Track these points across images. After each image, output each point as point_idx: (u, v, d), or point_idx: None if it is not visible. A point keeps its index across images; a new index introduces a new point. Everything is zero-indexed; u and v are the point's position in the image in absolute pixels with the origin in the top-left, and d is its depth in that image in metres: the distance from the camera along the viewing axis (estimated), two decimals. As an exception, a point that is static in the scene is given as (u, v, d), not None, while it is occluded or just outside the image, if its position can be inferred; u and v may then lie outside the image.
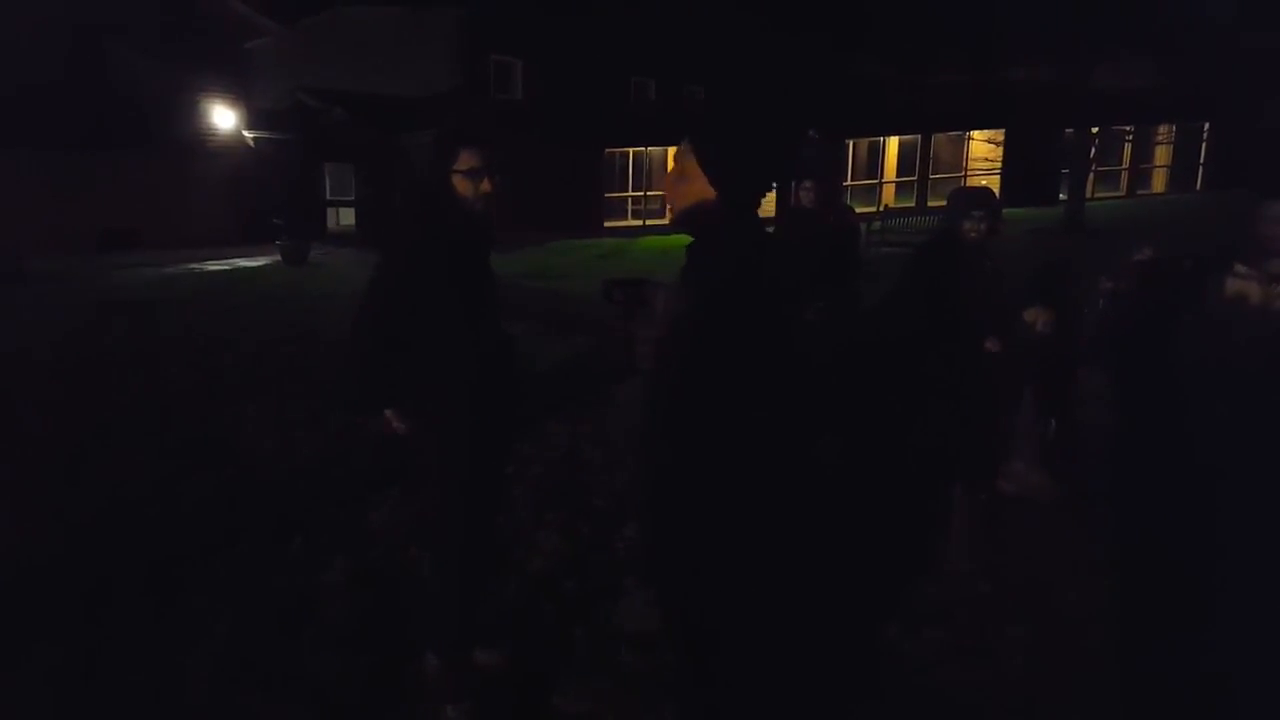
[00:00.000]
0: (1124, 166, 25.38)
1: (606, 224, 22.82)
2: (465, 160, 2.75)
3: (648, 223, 23.07)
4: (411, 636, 3.14)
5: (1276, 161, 20.40)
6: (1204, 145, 25.56)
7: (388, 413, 2.88)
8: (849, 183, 24.30)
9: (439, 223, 2.78)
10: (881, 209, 20.76)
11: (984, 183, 24.07)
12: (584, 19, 21.25)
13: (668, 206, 2.20)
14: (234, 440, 5.68)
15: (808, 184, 7.62)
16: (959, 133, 23.55)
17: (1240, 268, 3.39)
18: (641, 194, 24.12)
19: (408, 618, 3.34)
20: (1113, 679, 3.11)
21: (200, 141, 21.79)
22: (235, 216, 21.52)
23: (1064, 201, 19.39)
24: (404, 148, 19.50)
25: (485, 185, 2.77)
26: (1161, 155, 26.34)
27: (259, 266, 16.76)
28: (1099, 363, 5.41)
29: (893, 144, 24.82)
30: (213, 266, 16.77)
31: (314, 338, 8.97)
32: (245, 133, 22.35)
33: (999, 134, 22.30)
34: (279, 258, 17.41)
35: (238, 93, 22.44)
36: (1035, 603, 3.65)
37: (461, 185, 2.76)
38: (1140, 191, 25.47)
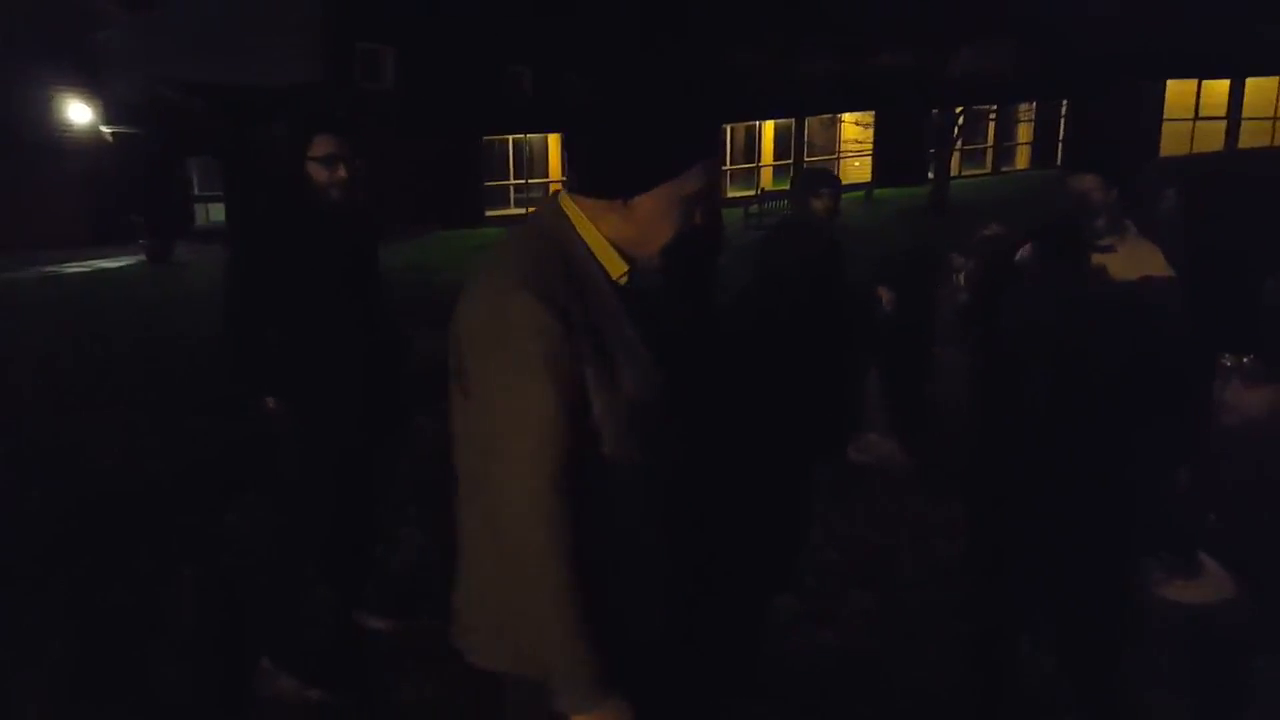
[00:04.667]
0: (989, 144, 26.51)
1: (488, 212, 22.56)
2: (320, 146, 2.72)
3: (530, 210, 22.91)
4: (253, 640, 3.09)
5: (1089, 138, 21.76)
6: (1062, 122, 26.92)
7: (268, 400, 2.83)
8: (728, 167, 24.67)
9: (292, 210, 2.74)
10: (759, 192, 21.15)
11: (856, 164, 24.86)
12: (456, 5, 20.90)
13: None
14: (81, 451, 5.43)
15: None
16: (830, 116, 24.18)
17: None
18: (524, 181, 23.95)
19: (251, 623, 3.28)
20: (950, 640, 3.28)
21: (53, 138, 20.53)
22: (95, 215, 20.41)
23: (931, 180, 20.16)
24: (266, 139, 18.85)
25: (341, 172, 2.73)
26: (1024, 133, 27.63)
27: (120, 267, 15.99)
28: (952, 336, 5.67)
29: (769, 128, 25.30)
30: (71, 269, 15.92)
31: (168, 340, 8.62)
32: (102, 128, 21.18)
33: (868, 116, 22.99)
34: (143, 257, 16.65)
35: (91, 86, 21.21)
36: (879, 568, 3.83)
37: (316, 172, 2.72)
38: (1005, 168, 26.65)
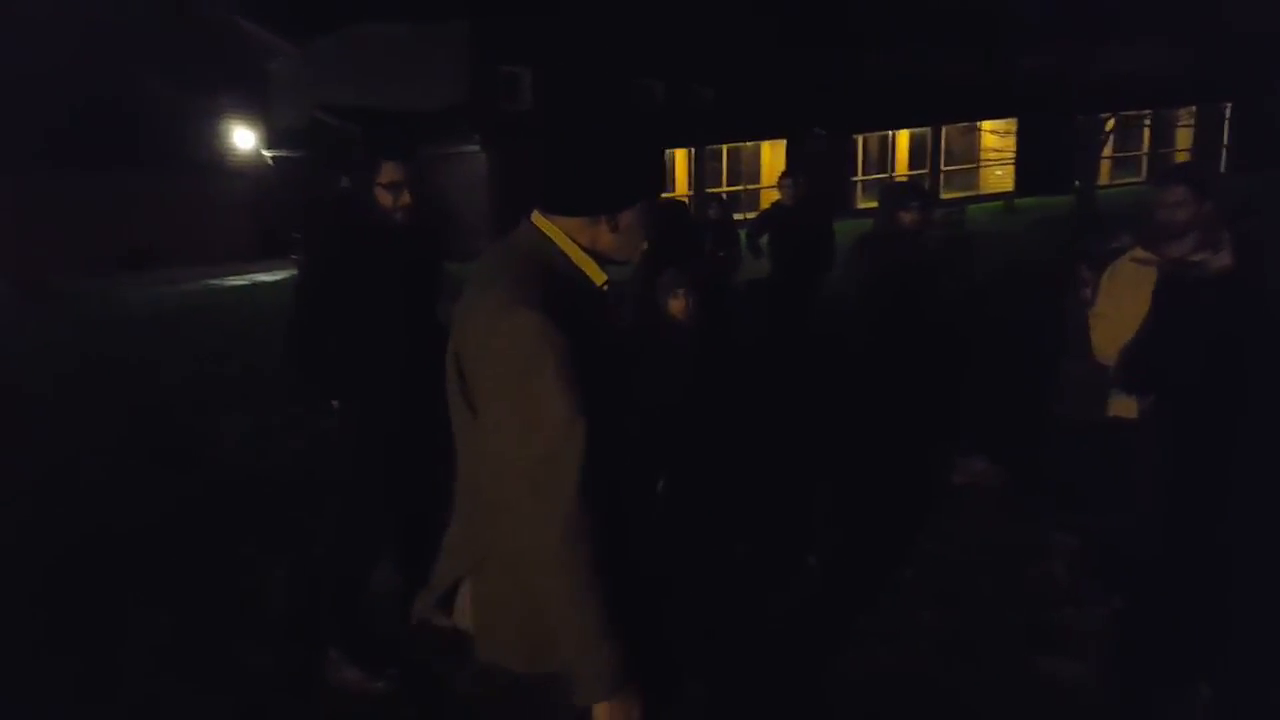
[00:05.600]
0: (1143, 151, 25.00)
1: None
2: (386, 173, 2.90)
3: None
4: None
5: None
6: (1226, 127, 25.08)
7: (333, 403, 3.06)
8: (859, 178, 24.21)
9: (356, 231, 2.94)
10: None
11: (998, 172, 23.94)
12: (589, 24, 21.41)
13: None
14: (214, 448, 5.89)
15: (786, 181, 7.71)
16: (969, 124, 23.39)
17: (1140, 252, 3.43)
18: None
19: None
20: (1015, 667, 3.16)
21: (221, 161, 22.35)
22: (256, 233, 21.99)
23: (1076, 189, 19.20)
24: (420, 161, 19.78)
25: (405, 198, 2.92)
26: (1183, 139, 25.89)
27: (276, 281, 17.09)
28: (1075, 350, 5.43)
29: (903, 137, 24.69)
30: (232, 282, 17.17)
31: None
32: (264, 151, 22.82)
33: (1009, 124, 22.11)
34: (296, 271, 17.73)
35: (257, 113, 22.98)
36: (954, 589, 3.71)
37: (382, 197, 2.91)
38: (1161, 177, 25.02)
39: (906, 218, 4.45)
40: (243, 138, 22.76)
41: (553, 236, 1.62)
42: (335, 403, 3.03)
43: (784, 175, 7.75)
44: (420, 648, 3.25)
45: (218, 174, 22.13)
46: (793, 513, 4.28)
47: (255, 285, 16.68)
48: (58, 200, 18.95)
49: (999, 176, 23.93)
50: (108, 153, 19.51)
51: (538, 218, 1.64)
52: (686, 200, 20.52)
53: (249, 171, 22.70)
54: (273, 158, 22.81)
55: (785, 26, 21.82)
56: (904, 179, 23.60)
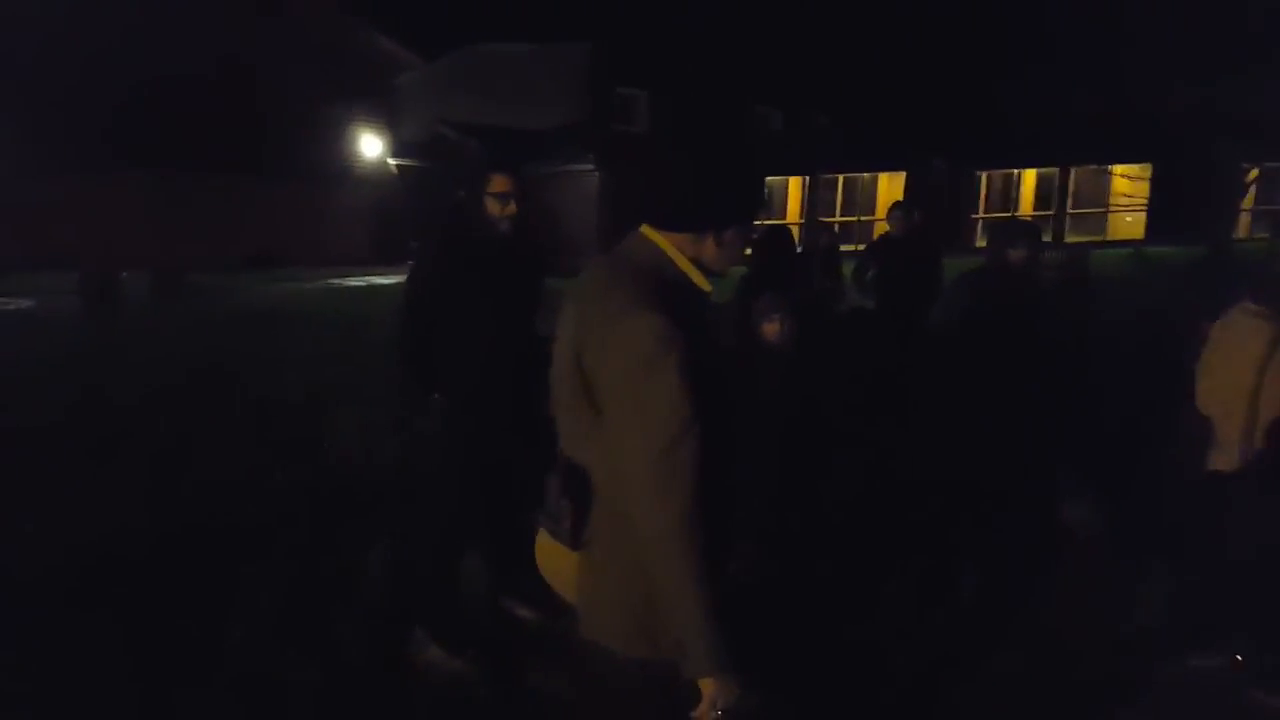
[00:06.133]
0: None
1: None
2: (495, 184, 3.10)
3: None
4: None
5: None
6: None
7: (436, 397, 3.23)
8: (979, 215, 23.65)
9: (462, 236, 3.12)
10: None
11: (1128, 219, 23.01)
12: (708, 50, 21.68)
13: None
14: (326, 439, 6.18)
15: (896, 212, 7.63)
16: (1099, 166, 22.58)
17: (1252, 305, 3.32)
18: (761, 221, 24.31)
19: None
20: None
21: (347, 168, 23.43)
22: (376, 238, 22.96)
23: (1210, 240, 18.29)
24: (529, 176, 20.37)
25: (511, 207, 3.11)
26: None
27: (390, 284, 17.77)
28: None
29: (1029, 177, 24.03)
30: (351, 283, 17.94)
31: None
32: (390, 160, 23.83)
33: (1142, 168, 21.25)
34: (413, 276, 18.36)
35: (384, 124, 24.06)
36: (1043, 634, 3.61)
37: (491, 206, 3.10)
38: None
39: (1014, 256, 4.36)
40: (369, 146, 23.86)
41: (665, 249, 1.76)
42: (437, 396, 3.19)
43: (894, 206, 7.67)
44: (502, 636, 3.39)
45: (343, 180, 23.22)
46: (877, 542, 4.24)
47: (372, 287, 17.37)
48: (194, 200, 20.20)
49: (1129, 223, 23.01)
50: (241, 157, 20.69)
51: (649, 231, 1.78)
52: (795, 227, 20.45)
53: (373, 179, 23.74)
54: (398, 166, 23.78)
55: (907, 56, 21.57)
56: (1028, 219, 22.97)
